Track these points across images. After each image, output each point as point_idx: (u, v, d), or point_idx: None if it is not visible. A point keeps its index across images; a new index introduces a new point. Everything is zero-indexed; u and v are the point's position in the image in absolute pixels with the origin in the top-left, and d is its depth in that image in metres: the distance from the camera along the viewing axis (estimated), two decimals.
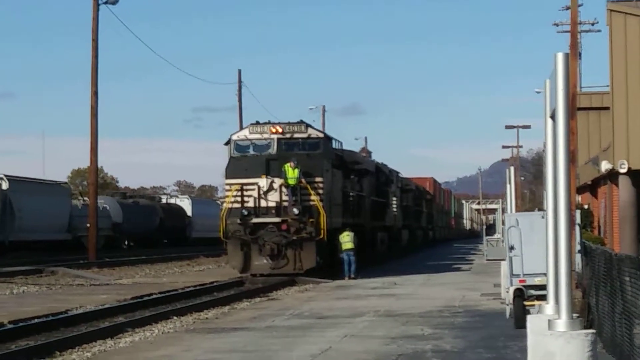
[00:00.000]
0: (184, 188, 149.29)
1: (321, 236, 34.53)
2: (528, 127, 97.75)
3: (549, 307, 9.11)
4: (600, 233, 38.21)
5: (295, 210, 34.28)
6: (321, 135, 37.32)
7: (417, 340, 17.33)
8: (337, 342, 17.48)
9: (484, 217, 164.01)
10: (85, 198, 58.58)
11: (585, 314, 17.85)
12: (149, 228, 70.44)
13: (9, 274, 35.62)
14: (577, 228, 20.95)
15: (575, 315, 8.21)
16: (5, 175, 51.06)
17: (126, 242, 70.07)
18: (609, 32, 31.11)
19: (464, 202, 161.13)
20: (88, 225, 49.78)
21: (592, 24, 63.72)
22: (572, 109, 33.61)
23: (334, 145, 38.61)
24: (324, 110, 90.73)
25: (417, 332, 18.65)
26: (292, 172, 34.36)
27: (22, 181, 53.38)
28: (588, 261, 18.66)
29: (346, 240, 36.17)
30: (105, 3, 48.83)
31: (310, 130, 36.41)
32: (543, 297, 14.38)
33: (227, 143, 36.29)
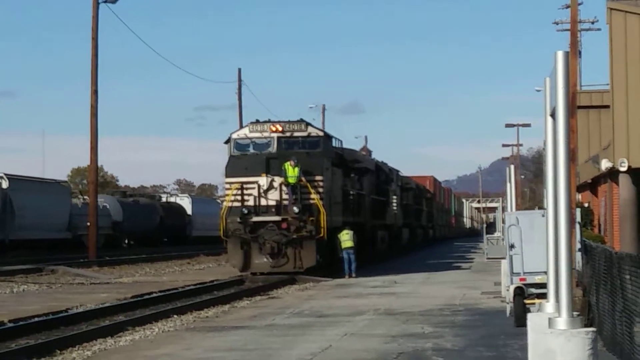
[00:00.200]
0: (184, 187, 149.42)
1: (321, 235, 34.54)
2: (528, 125, 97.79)
3: (549, 306, 9.10)
4: (600, 231, 38.21)
5: (296, 209, 34.28)
6: (321, 133, 37.31)
7: (418, 339, 17.33)
8: (337, 340, 17.48)
9: (484, 216, 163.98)
10: (85, 197, 58.59)
11: (585, 312, 17.86)
12: (149, 227, 70.44)
13: (9, 273, 35.64)
14: (578, 226, 20.93)
15: (575, 313, 8.20)
16: (6, 174, 51.07)
17: (126, 241, 70.08)
18: (609, 31, 31.08)
19: (464, 200, 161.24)
20: (88, 224, 49.81)
21: (592, 23, 63.73)
22: (572, 108, 33.59)
23: (334, 144, 38.62)
24: (324, 109, 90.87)
25: (417, 331, 18.65)
26: (292, 171, 34.36)
27: (22, 180, 53.39)
28: (588, 259, 18.66)
29: (345, 238, 36.18)
30: (105, 2, 48.80)
31: (310, 129, 36.41)
32: (543, 296, 14.38)
33: (227, 141, 36.28)
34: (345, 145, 41.68)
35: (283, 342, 17.31)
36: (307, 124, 36.55)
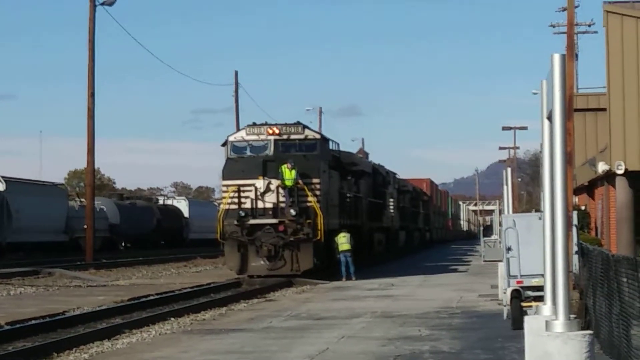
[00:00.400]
0: (181, 189, 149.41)
1: (318, 237, 34.54)
2: (525, 128, 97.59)
3: (546, 308, 9.11)
4: (597, 234, 38.23)
5: (292, 212, 34.29)
6: (318, 136, 37.33)
7: (415, 341, 17.33)
8: (334, 343, 17.49)
9: (481, 219, 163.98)
10: (82, 199, 58.57)
11: (582, 315, 17.86)
12: (146, 229, 70.44)
13: (6, 275, 35.62)
14: (574, 229, 21.00)
15: (572, 316, 8.21)
16: (2, 177, 51.07)
17: (123, 244, 70.08)
18: (606, 34, 31.11)
19: (461, 203, 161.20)
20: (85, 226, 49.79)
21: (589, 25, 63.90)
22: (569, 110, 33.60)
23: (330, 147, 38.64)
24: (320, 112, 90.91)
25: (414, 333, 18.66)
26: (289, 174, 34.37)
27: (19, 182, 53.40)
28: (585, 262, 18.68)
29: (342, 241, 36.19)
30: (102, 4, 48.83)
31: (307, 132, 36.43)
32: (540, 298, 14.38)
33: (224, 144, 36.29)
34: (342, 148, 41.73)
35: (280, 345, 17.32)
36: (304, 127, 36.56)
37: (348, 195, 40.64)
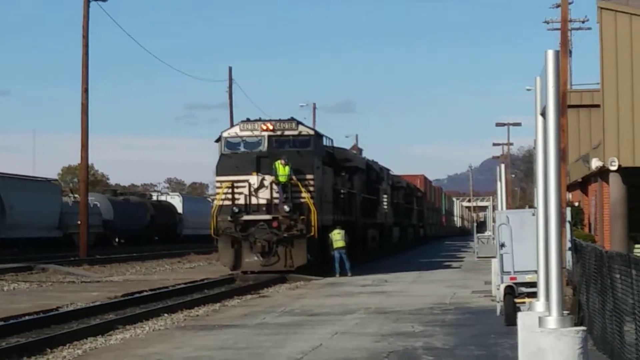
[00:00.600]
0: (175, 185, 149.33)
1: (312, 233, 34.53)
2: (519, 124, 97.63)
3: (539, 304, 9.13)
4: (590, 230, 38.28)
5: (286, 208, 34.28)
6: (312, 132, 37.31)
7: (408, 338, 17.35)
8: (327, 339, 17.49)
9: (474, 215, 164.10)
10: (76, 195, 58.50)
11: (575, 311, 17.89)
12: (140, 225, 70.37)
13: None
14: (568, 225, 21.00)
15: (565, 312, 8.23)
16: None
17: (117, 240, 70.03)
18: (599, 30, 31.13)
19: (454, 199, 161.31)
20: (79, 222, 49.73)
21: (583, 22, 63.86)
22: (563, 107, 33.66)
23: (324, 143, 38.61)
24: (314, 108, 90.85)
25: (407, 330, 18.67)
26: (282, 170, 34.36)
27: (13, 178, 53.30)
28: (578, 258, 18.70)
29: (337, 238, 36.19)
30: (96, 0, 48.73)
31: (300, 128, 36.41)
32: (534, 295, 14.40)
33: (218, 140, 36.26)
34: (335, 144, 41.72)
35: (274, 341, 17.32)
36: (298, 123, 36.55)
37: (342, 191, 40.64)
